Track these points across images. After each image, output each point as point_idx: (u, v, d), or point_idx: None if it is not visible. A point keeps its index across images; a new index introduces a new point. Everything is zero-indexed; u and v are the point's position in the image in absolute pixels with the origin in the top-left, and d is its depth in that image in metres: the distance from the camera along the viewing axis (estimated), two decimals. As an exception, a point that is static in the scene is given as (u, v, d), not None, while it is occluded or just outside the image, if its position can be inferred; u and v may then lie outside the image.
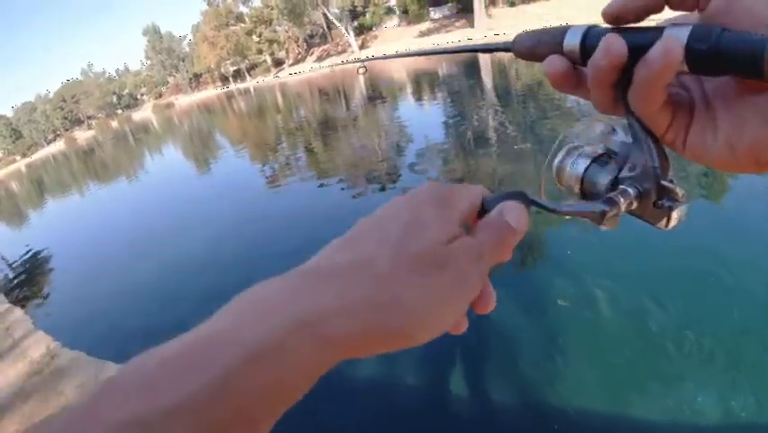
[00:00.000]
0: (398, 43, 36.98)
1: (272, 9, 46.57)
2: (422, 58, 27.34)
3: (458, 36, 31.76)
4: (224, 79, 67.25)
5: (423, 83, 18.72)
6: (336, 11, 41.27)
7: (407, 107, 14.12)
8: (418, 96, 15.66)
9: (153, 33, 75.01)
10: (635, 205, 0.33)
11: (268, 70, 56.68)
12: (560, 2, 30.81)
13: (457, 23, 35.73)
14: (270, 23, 51.95)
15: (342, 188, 7.39)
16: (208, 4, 55.12)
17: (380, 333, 0.27)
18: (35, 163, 53.09)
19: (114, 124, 75.56)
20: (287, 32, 51.59)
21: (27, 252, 8.96)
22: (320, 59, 47.31)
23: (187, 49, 74.69)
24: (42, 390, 3.84)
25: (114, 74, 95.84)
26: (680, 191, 0.31)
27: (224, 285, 5.09)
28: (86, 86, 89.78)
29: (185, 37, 75.72)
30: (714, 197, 4.86)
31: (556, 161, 0.39)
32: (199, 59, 60.45)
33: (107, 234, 8.78)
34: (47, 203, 17.37)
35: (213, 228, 7.07)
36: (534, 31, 0.37)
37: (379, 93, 19.04)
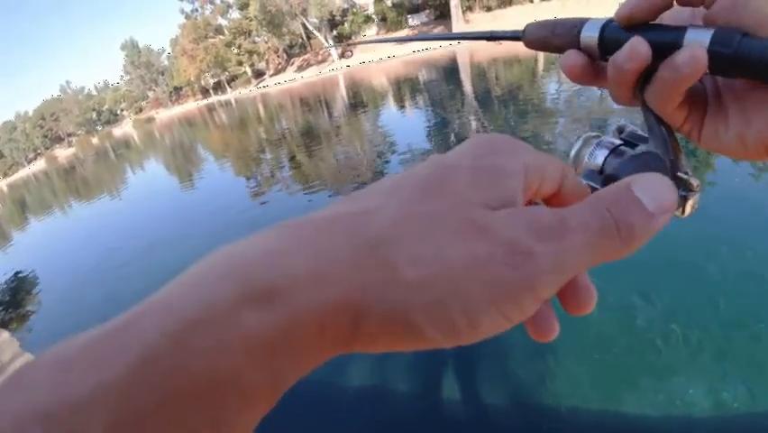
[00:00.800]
0: (378, 51, 37.14)
1: (251, 20, 46.43)
2: (402, 63, 27.60)
3: (437, 42, 31.94)
4: (205, 92, 66.84)
5: (404, 89, 18.80)
6: (315, 20, 41.34)
7: (389, 114, 14.19)
8: (400, 103, 15.74)
9: (131, 48, 74.43)
10: None
11: (248, 82, 56.46)
12: (535, 7, 31.26)
13: (435, 30, 35.93)
14: (250, 35, 51.78)
15: (328, 198, 7.39)
16: (186, 17, 54.89)
17: (369, 314, 0.20)
18: (16, 183, 52.24)
19: (95, 140, 74.70)
20: (266, 42, 51.49)
21: (11, 272, 8.81)
22: (300, 68, 47.32)
23: (166, 62, 74.21)
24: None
25: (94, 90, 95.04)
26: (694, 181, 0.32)
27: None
28: (65, 103, 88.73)
29: (163, 51, 75.46)
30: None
31: (573, 150, 0.38)
32: (179, 72, 60.05)
33: (91, 252, 8.66)
34: (30, 223, 17.09)
35: (197, 241, 7.02)
36: (547, 21, 0.36)
37: (360, 100, 19.09)
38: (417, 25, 39.04)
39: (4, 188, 52.83)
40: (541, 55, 18.76)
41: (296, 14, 42.35)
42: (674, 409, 2.50)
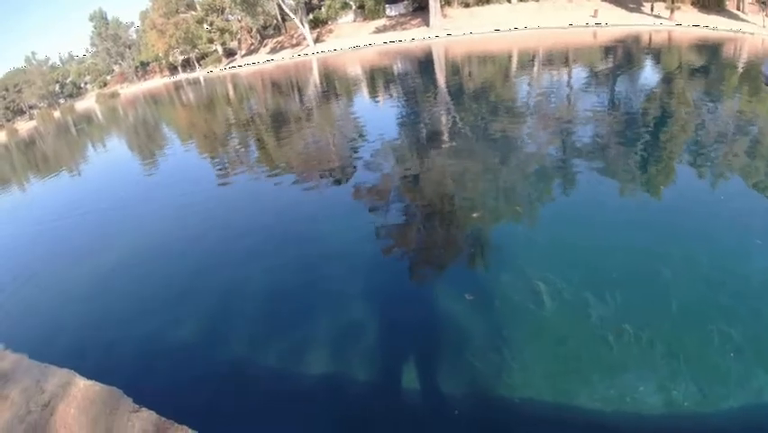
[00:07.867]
0: (354, 39, 36.78)
1: (225, -2, 45.37)
2: (376, 53, 27.40)
3: (414, 34, 31.92)
4: (173, 69, 65.00)
5: (378, 79, 18.70)
6: (291, 2, 40.60)
7: (362, 103, 14.07)
8: (373, 92, 15.63)
9: (100, 19, 71.95)
10: None
11: (219, 60, 55.14)
12: (513, 6, 31.60)
13: (413, 21, 35.85)
14: (223, 12, 50.53)
15: (294, 182, 7.31)
16: (157, -10, 53.18)
17: None
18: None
19: (57, 114, 71.94)
20: (239, 21, 50.31)
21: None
22: (273, 50, 46.46)
23: (134, 36, 72.08)
24: (-13, 396, 3.64)
25: (59, 62, 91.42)
26: None
27: (170, 279, 5.02)
28: (29, 74, 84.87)
29: (132, 24, 73.25)
30: (653, 195, 5.08)
31: None
32: (147, 47, 58.33)
33: (46, 232, 8.34)
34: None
35: (154, 223, 6.86)
36: None
37: (333, 87, 18.90)
38: (395, 16, 38.80)
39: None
40: (515, 54, 18.96)
41: (271, -5, 41.55)
42: (625, 405, 2.58)
